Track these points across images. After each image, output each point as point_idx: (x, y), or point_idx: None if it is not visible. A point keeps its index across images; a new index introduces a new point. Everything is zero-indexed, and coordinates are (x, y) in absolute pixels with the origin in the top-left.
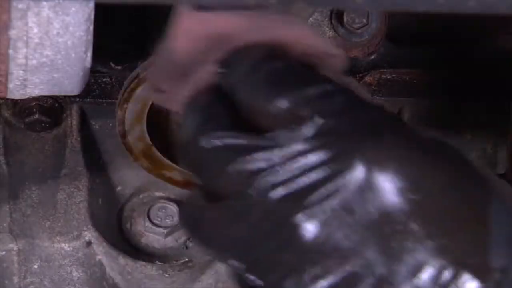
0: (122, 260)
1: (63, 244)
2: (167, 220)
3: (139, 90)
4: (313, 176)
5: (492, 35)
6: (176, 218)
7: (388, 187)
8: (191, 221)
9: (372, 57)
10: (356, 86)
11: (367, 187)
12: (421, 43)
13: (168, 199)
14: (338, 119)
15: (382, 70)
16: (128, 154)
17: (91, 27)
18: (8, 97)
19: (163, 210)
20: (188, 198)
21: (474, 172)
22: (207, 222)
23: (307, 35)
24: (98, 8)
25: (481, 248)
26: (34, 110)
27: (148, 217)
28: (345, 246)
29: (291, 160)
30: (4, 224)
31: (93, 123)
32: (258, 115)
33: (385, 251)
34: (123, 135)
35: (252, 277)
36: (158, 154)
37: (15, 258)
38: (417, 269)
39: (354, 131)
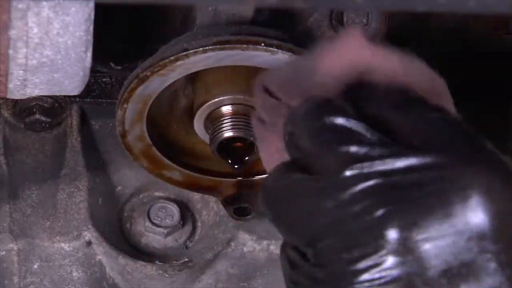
0: (122, 260)
1: (63, 244)
2: (167, 220)
3: (139, 90)
4: (409, 177)
5: (492, 35)
6: (176, 218)
7: (478, 218)
8: (278, 189)
9: None
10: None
11: (466, 202)
12: (421, 43)
13: (168, 199)
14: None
15: None
16: (128, 154)
17: (91, 27)
18: (8, 97)
19: (163, 210)
20: (276, 169)
21: None
22: (296, 191)
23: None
24: (98, 8)
25: None
26: (34, 110)
27: (148, 217)
28: (422, 254)
29: (401, 169)
30: (4, 224)
31: (93, 123)
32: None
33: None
34: (123, 135)
35: (310, 253)
36: (158, 154)
37: (15, 258)
38: None
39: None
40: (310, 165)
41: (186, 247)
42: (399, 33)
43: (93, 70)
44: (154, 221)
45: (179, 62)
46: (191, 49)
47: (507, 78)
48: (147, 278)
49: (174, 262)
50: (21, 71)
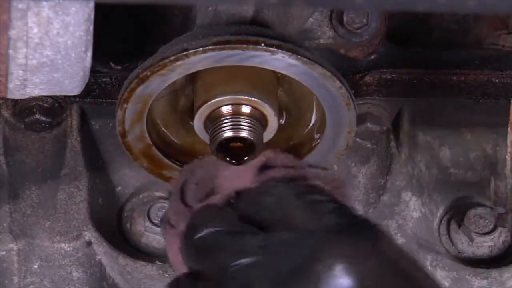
0: (122, 260)
1: (63, 244)
2: None
3: (139, 90)
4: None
5: (493, 35)
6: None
7: (342, 281)
8: None
9: (372, 57)
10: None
11: (328, 277)
12: (421, 43)
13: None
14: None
15: (382, 70)
16: (128, 154)
17: (91, 27)
18: (8, 97)
19: (163, 210)
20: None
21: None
22: None
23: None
24: (98, 8)
25: None
26: (34, 110)
27: (148, 217)
28: None
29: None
30: (4, 224)
31: (93, 123)
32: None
33: None
34: (123, 135)
35: None
36: (158, 154)
37: (15, 258)
38: None
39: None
40: (200, 274)
41: None
42: (399, 33)
43: (93, 70)
44: (154, 221)
45: (179, 62)
46: (191, 49)
47: (507, 78)
48: (147, 278)
49: None
50: (21, 71)
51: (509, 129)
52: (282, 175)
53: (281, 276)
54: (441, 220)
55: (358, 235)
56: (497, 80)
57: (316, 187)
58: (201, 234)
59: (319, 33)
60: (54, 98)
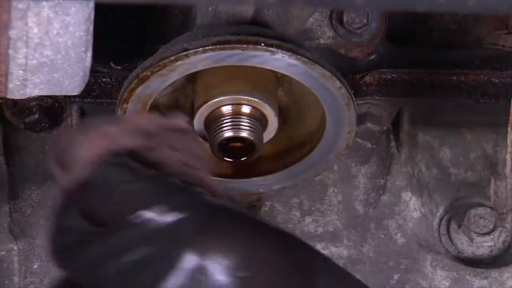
0: None
1: None
2: None
3: (139, 90)
4: (149, 266)
5: (493, 35)
6: None
7: (217, 269)
8: None
9: (372, 57)
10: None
11: (199, 272)
12: (421, 43)
13: None
14: (177, 213)
15: (382, 70)
16: None
17: (91, 27)
18: (8, 97)
19: None
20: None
21: (299, 249)
22: None
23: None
24: (98, 8)
25: None
26: (34, 110)
27: None
28: None
29: (122, 252)
30: (4, 224)
31: None
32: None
33: None
34: None
35: None
36: None
37: (15, 258)
38: None
39: (183, 225)
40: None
41: None
42: (399, 33)
43: (93, 70)
44: None
45: (179, 62)
46: (191, 49)
47: (507, 78)
48: None
49: None
50: (21, 71)
51: (509, 129)
52: (121, 149)
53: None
54: (441, 220)
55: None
56: (497, 80)
57: (164, 167)
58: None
59: (319, 33)
60: (54, 98)
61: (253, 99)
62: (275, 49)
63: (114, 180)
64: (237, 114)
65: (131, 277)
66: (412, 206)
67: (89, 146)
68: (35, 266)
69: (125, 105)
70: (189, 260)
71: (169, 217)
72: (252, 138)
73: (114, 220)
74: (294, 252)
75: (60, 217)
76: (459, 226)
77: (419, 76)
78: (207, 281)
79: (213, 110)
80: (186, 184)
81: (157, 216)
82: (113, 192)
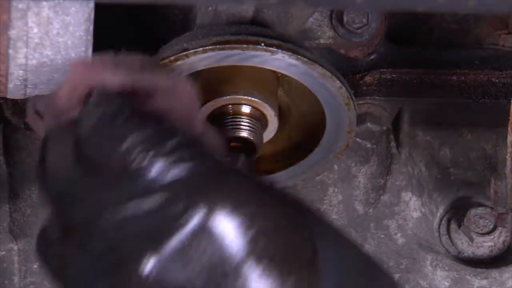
0: None
1: None
2: None
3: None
4: (156, 218)
5: (493, 35)
6: None
7: (227, 225)
8: (44, 253)
9: (372, 57)
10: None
11: (209, 226)
12: (421, 43)
13: None
14: (183, 166)
15: (382, 70)
16: None
17: (91, 27)
18: (8, 97)
19: None
20: (44, 228)
21: (308, 215)
22: (56, 253)
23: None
24: (98, 8)
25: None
26: None
27: None
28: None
29: (131, 201)
30: (4, 224)
31: None
32: (107, 156)
33: None
34: None
35: None
36: None
37: (15, 258)
38: None
39: (197, 177)
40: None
41: None
42: (399, 33)
43: None
44: None
45: (179, 62)
46: (191, 49)
47: (506, 78)
48: None
49: None
50: (21, 71)
51: (509, 129)
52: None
53: (159, 234)
54: (441, 220)
55: (233, 176)
56: (497, 80)
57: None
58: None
59: (319, 33)
60: None
61: (253, 99)
62: (275, 49)
63: (107, 126)
64: (237, 114)
65: (131, 230)
66: (412, 206)
67: (72, 84)
68: (35, 266)
69: None
70: (197, 217)
71: (176, 170)
72: (252, 138)
73: (113, 170)
74: (302, 217)
75: (51, 163)
76: (459, 226)
77: (419, 76)
78: (214, 237)
79: (213, 110)
80: (188, 140)
81: (162, 169)
82: (107, 140)
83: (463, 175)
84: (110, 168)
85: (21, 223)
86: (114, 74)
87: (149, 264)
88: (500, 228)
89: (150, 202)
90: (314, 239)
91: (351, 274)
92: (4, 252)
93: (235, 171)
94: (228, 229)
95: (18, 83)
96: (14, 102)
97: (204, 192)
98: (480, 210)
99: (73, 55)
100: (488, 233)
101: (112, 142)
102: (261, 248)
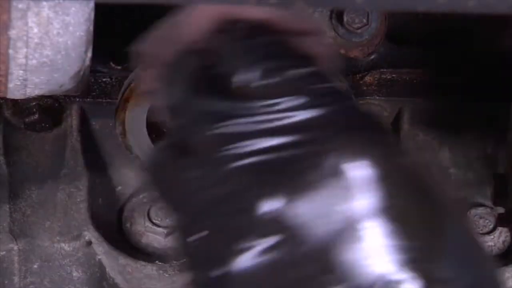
0: (122, 260)
1: (63, 244)
2: (167, 220)
3: (139, 90)
4: (284, 154)
5: (492, 35)
6: None
7: (359, 176)
8: (159, 169)
9: (372, 57)
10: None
11: (339, 173)
12: (421, 43)
13: None
14: (321, 106)
15: (382, 70)
16: (128, 154)
17: (91, 27)
18: (8, 97)
19: (163, 210)
20: (157, 149)
21: (437, 187)
22: (173, 173)
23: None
24: (98, 8)
25: (434, 256)
26: (34, 110)
27: (148, 217)
28: (297, 228)
29: (265, 133)
30: (4, 224)
31: (93, 123)
32: (243, 87)
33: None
34: (123, 135)
35: (194, 237)
36: None
37: (15, 258)
38: (367, 268)
39: (333, 120)
40: (188, 146)
41: None
42: (399, 33)
43: (93, 70)
44: (154, 221)
45: None
46: None
47: (507, 78)
48: (147, 278)
49: (174, 262)
50: (21, 71)
51: (509, 129)
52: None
53: (286, 176)
54: None
55: (373, 146)
56: (497, 80)
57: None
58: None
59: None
60: (54, 98)
61: None
62: None
63: (245, 60)
64: None
65: (259, 167)
66: None
67: (200, 16)
68: (35, 266)
69: (125, 105)
70: (331, 160)
71: (314, 112)
72: None
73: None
74: (431, 193)
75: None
76: None
77: (419, 76)
78: (344, 188)
79: None
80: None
81: (304, 106)
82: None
83: (463, 175)
84: (253, 97)
85: (21, 223)
86: (254, 12)
87: (276, 202)
88: (500, 228)
89: (282, 139)
90: (444, 207)
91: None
92: (4, 252)
93: (368, 119)
94: (360, 180)
95: (18, 83)
96: (14, 102)
97: (336, 140)
98: (480, 210)
99: (73, 55)
100: (488, 233)
101: (267, 75)
102: (390, 206)
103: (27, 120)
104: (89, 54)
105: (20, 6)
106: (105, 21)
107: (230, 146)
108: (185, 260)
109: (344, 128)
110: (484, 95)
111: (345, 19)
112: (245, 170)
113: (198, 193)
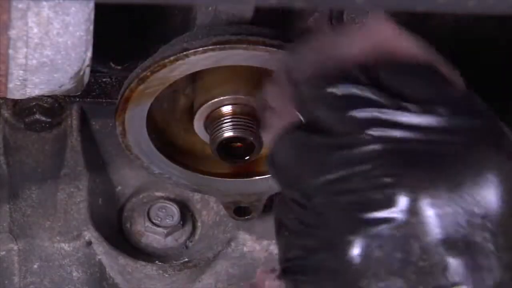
0: (122, 260)
1: (63, 244)
2: (167, 220)
3: (139, 90)
4: (431, 158)
5: (492, 35)
6: (176, 218)
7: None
8: (286, 144)
9: None
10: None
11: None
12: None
13: (168, 199)
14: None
15: None
16: (128, 154)
17: (91, 27)
18: (8, 97)
19: (163, 210)
20: (290, 127)
21: None
22: (305, 145)
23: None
24: (98, 8)
25: None
26: (34, 110)
27: (148, 217)
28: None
29: (409, 131)
30: (4, 224)
31: (93, 123)
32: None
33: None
34: (123, 135)
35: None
36: (158, 154)
37: (15, 258)
38: None
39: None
40: (322, 128)
41: (186, 247)
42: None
43: (93, 70)
44: (154, 221)
45: (179, 62)
46: (191, 49)
47: (507, 78)
48: (147, 278)
49: (174, 262)
50: (21, 71)
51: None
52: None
53: (425, 162)
54: None
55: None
56: (497, 80)
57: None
58: (340, 87)
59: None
60: (54, 98)
61: (253, 99)
62: (276, 49)
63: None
64: (237, 114)
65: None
66: None
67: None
68: (35, 266)
69: (125, 105)
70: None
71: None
72: (251, 138)
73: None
74: None
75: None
76: None
77: None
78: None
79: (213, 110)
80: None
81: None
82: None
83: None
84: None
85: (21, 223)
86: (410, 43)
87: (356, 246)
88: None
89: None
90: None
91: None
92: (4, 252)
93: (505, 143)
94: (433, 217)
95: (18, 83)
96: (14, 102)
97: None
98: None
99: (73, 55)
100: None
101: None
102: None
103: (27, 120)
104: (89, 54)
105: (20, 6)
106: (105, 21)
107: (368, 130)
108: None
109: (491, 141)
110: (484, 95)
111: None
112: (382, 154)
113: (326, 170)
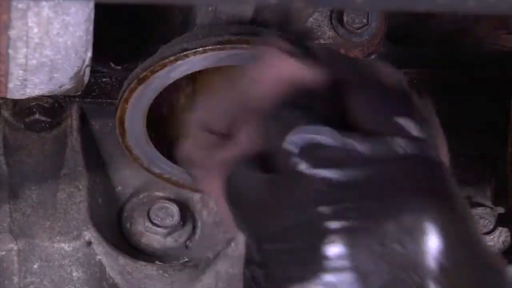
0: (122, 260)
1: (63, 244)
2: (167, 220)
3: (139, 90)
4: (366, 208)
5: (492, 35)
6: (176, 218)
7: (430, 241)
8: (241, 184)
9: (372, 57)
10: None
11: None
12: (421, 43)
13: (168, 199)
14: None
15: None
16: (128, 154)
17: (91, 27)
18: (8, 97)
19: (163, 210)
20: (238, 161)
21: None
22: (254, 189)
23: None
24: (98, 8)
25: None
26: (34, 110)
27: (148, 217)
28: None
29: (352, 160)
30: (4, 224)
31: (93, 123)
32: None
33: None
34: (123, 135)
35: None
36: (158, 154)
37: (15, 258)
38: None
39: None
40: (270, 161)
41: (186, 247)
42: (399, 33)
43: (93, 70)
44: (154, 221)
45: (179, 62)
46: (191, 49)
47: (507, 78)
48: (147, 278)
49: (174, 262)
50: (21, 71)
51: (509, 129)
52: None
53: (360, 213)
54: None
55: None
56: (497, 80)
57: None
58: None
59: (319, 33)
60: (54, 98)
61: None
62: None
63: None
64: None
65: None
66: None
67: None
68: (35, 266)
69: (125, 105)
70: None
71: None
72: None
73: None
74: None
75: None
76: None
77: (419, 76)
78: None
79: None
80: None
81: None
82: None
83: (463, 175)
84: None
85: (21, 223)
86: (312, 68)
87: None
88: (500, 228)
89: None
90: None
91: None
92: (4, 252)
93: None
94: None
95: (18, 83)
96: (14, 102)
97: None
98: (480, 210)
99: (73, 55)
100: (488, 233)
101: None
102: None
103: (27, 120)
104: (89, 54)
105: (20, 6)
106: (105, 21)
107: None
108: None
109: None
110: (485, 94)
111: (345, 19)
112: (319, 202)
113: (273, 218)
